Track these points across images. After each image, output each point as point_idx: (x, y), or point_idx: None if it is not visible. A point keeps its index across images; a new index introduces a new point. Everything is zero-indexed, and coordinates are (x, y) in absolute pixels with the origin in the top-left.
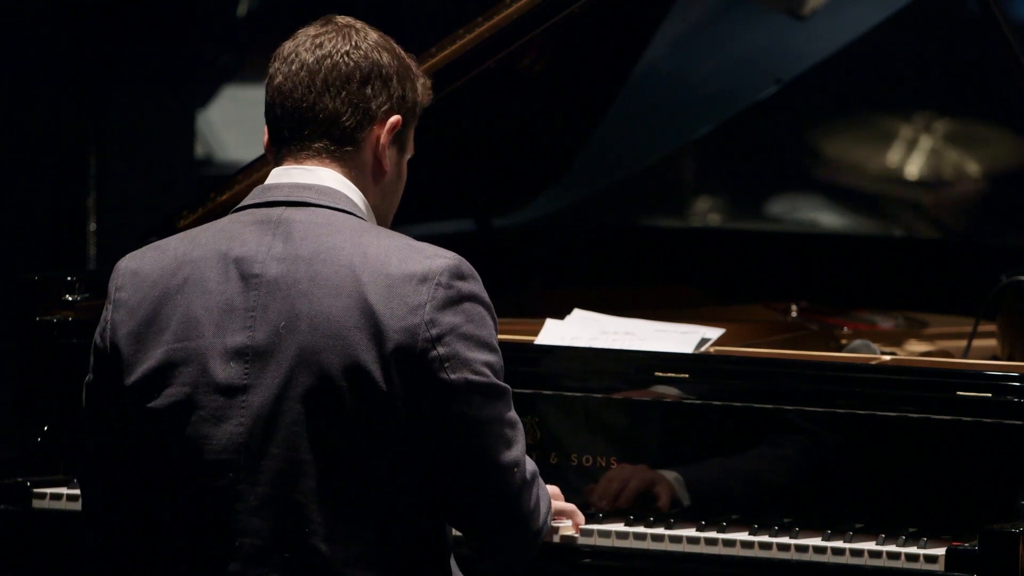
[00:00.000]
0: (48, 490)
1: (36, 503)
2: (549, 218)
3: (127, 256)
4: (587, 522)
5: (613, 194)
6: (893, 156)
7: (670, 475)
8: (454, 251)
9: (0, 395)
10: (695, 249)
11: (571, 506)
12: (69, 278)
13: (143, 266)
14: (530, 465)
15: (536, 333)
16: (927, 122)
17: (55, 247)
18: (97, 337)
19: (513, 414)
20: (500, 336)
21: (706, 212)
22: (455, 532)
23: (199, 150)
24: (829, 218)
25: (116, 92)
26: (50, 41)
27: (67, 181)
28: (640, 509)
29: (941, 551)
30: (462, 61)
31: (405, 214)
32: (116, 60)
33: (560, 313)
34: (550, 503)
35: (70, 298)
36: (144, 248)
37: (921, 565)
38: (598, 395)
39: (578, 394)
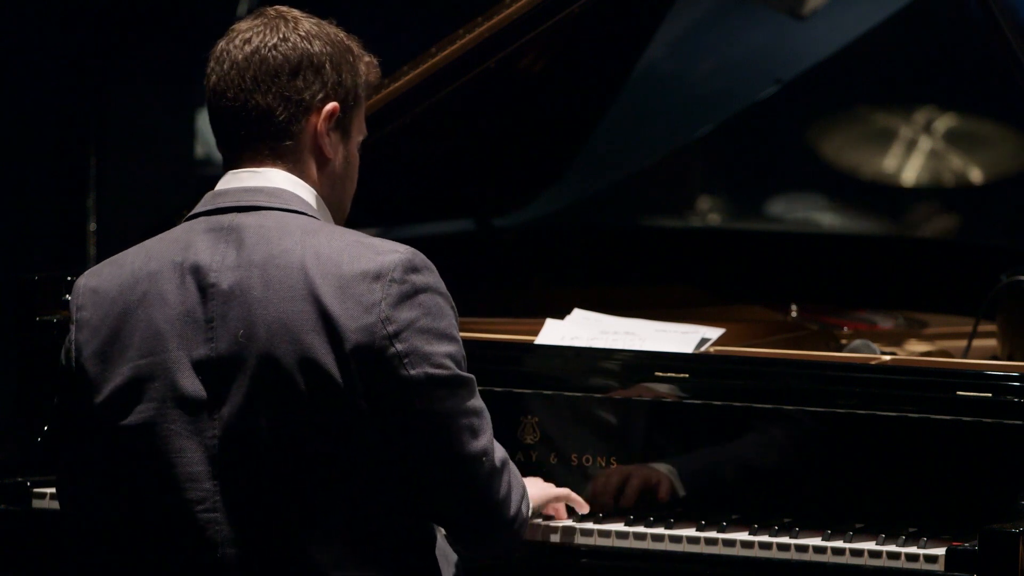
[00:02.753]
0: (48, 490)
1: (36, 503)
2: (549, 218)
3: (85, 273)
4: (587, 522)
5: (613, 194)
6: (893, 156)
7: (663, 467)
8: (455, 251)
9: (0, 395)
10: (695, 249)
11: (564, 491)
12: (69, 278)
13: (101, 283)
14: (499, 452)
15: (536, 333)
16: (927, 122)
17: (55, 247)
18: (63, 357)
19: (478, 402)
20: (500, 336)
21: (706, 212)
22: None
23: (199, 150)
24: (829, 218)
25: (116, 92)
26: (50, 41)
27: (67, 181)
28: (640, 508)
29: (941, 551)
30: (462, 61)
31: (405, 214)
32: (116, 60)
33: (560, 313)
34: (524, 489)
35: (70, 298)
36: (101, 264)
37: (921, 565)
38: (598, 395)
39: (578, 394)
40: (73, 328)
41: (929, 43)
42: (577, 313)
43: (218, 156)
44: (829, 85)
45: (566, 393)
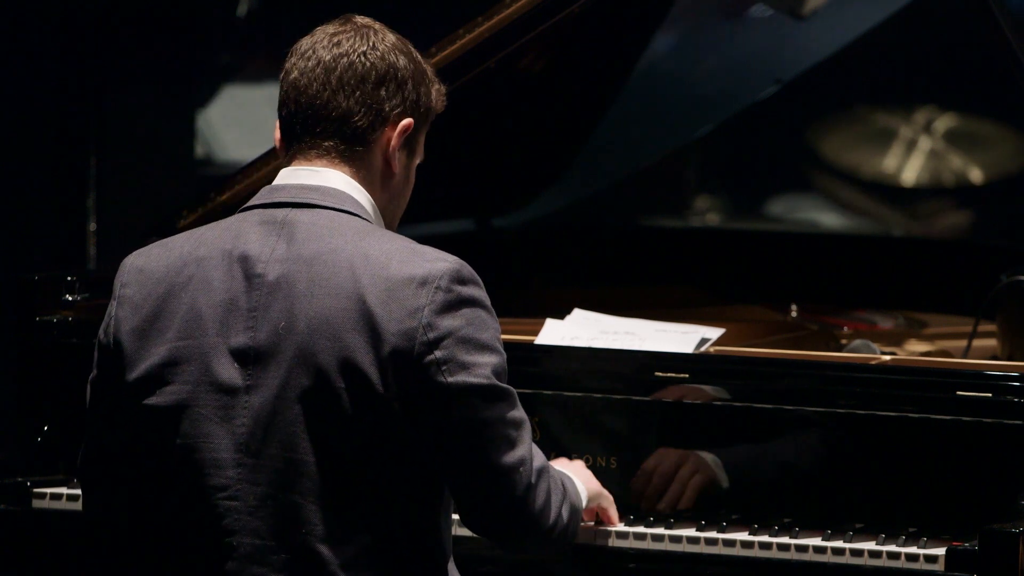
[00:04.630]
0: (48, 490)
1: (36, 503)
2: (549, 218)
3: (134, 253)
4: (587, 521)
5: (613, 194)
6: (893, 156)
7: (708, 457)
8: (455, 251)
9: (0, 395)
10: (695, 249)
11: (607, 502)
12: (69, 278)
13: (149, 263)
14: (538, 461)
15: (536, 333)
16: (927, 122)
17: (55, 247)
18: (101, 333)
19: (518, 413)
20: (500, 336)
21: (706, 212)
22: (456, 533)
23: (199, 150)
24: (829, 218)
25: (116, 92)
26: (50, 41)
27: (67, 181)
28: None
29: (941, 551)
30: (462, 61)
31: (405, 214)
32: (116, 60)
33: (560, 313)
34: (564, 495)
35: (70, 298)
36: (150, 245)
37: (921, 565)
38: (598, 395)
39: (578, 394)
40: (114, 304)
41: (929, 43)
42: (577, 313)
43: (218, 156)
44: (829, 85)
45: (566, 393)
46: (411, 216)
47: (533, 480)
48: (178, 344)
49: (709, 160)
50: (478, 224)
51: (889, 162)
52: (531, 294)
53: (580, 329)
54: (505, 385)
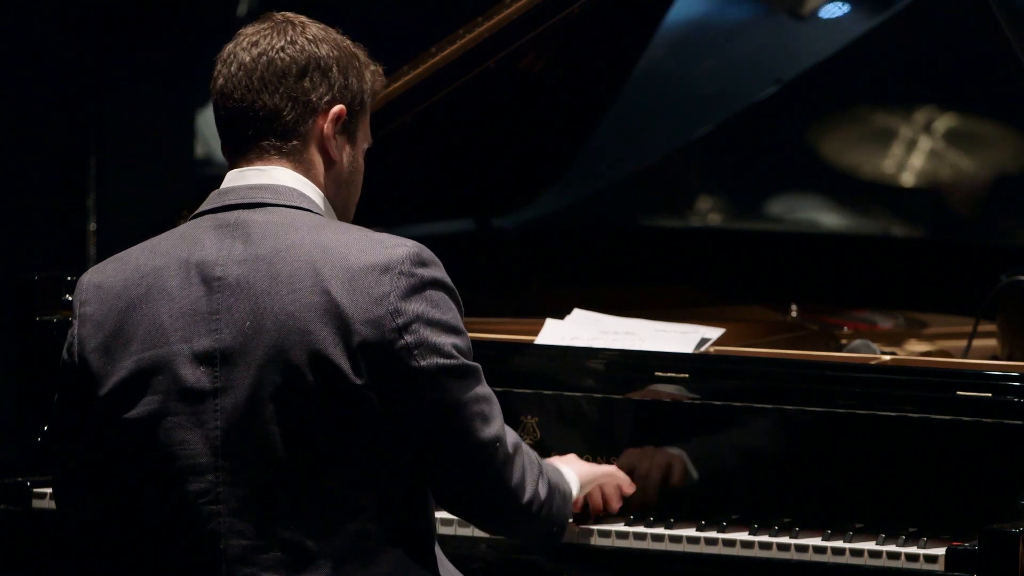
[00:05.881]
0: (48, 490)
1: (36, 503)
2: (549, 218)
3: (89, 270)
4: (587, 522)
5: (613, 194)
6: (893, 156)
7: (674, 451)
8: (455, 251)
9: (0, 395)
10: (695, 249)
11: (611, 468)
12: (69, 278)
13: (105, 279)
14: (511, 437)
15: (536, 333)
16: (927, 122)
17: (55, 247)
18: (65, 353)
19: (486, 389)
20: (501, 336)
21: (706, 212)
22: (451, 532)
23: (199, 150)
24: (829, 218)
25: (116, 92)
26: (50, 41)
27: (67, 181)
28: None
29: (941, 551)
30: (462, 61)
31: (406, 214)
32: (116, 60)
33: (560, 313)
34: (540, 472)
35: (70, 298)
36: (106, 261)
37: (921, 565)
38: (598, 395)
39: (578, 394)
40: (76, 323)
41: (929, 43)
42: (577, 313)
43: (218, 156)
44: (829, 85)
45: (566, 393)
46: (412, 216)
47: (510, 452)
48: (143, 356)
49: (709, 160)
50: (478, 224)
51: (889, 162)
52: (531, 294)
53: (580, 329)
54: (473, 362)
